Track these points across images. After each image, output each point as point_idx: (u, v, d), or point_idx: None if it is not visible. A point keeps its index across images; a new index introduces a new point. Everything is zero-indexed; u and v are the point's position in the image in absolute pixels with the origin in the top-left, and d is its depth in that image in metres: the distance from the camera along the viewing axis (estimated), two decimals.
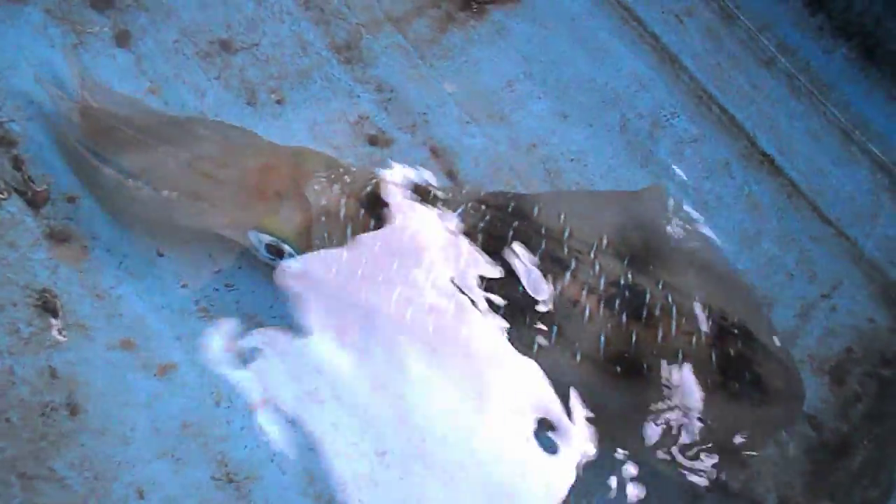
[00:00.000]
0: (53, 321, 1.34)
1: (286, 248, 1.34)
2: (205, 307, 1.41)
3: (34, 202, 1.42)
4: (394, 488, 1.35)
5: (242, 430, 1.34)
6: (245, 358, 1.39)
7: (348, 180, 1.38)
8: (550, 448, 1.37)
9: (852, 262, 1.80)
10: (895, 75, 1.90)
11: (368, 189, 1.38)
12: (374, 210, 1.37)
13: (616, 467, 1.39)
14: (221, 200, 1.36)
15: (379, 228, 1.36)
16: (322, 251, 1.34)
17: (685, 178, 1.78)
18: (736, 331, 1.42)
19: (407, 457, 1.36)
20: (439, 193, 1.43)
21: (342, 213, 1.35)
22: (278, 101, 1.63)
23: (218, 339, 1.39)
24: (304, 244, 1.34)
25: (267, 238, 1.33)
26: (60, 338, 1.34)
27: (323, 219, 1.34)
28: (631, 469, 1.39)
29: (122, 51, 1.59)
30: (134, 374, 1.35)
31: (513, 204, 1.45)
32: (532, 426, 1.37)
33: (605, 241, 1.45)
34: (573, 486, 1.37)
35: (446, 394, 1.37)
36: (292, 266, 1.36)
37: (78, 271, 1.39)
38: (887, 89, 1.92)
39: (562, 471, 1.36)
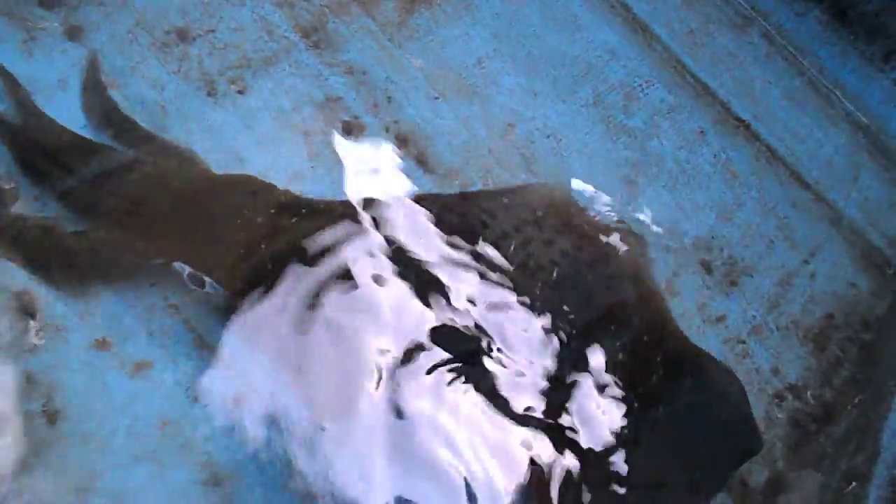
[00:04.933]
0: (32, 323, 1.32)
1: (206, 279, 1.35)
2: (175, 303, 1.39)
3: (2, 200, 1.39)
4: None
5: (220, 428, 1.33)
6: (217, 353, 1.37)
7: (273, 211, 1.39)
8: None
9: (832, 225, 1.79)
10: (868, 37, 1.89)
11: (293, 221, 1.39)
12: (297, 244, 1.37)
13: None
14: (146, 232, 1.36)
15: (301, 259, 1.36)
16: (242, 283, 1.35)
17: (662, 149, 1.76)
18: None
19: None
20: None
21: (262, 248, 1.36)
22: (240, 91, 1.59)
23: (189, 335, 1.37)
24: (227, 277, 1.35)
25: (188, 269, 1.35)
26: (37, 341, 1.31)
27: (242, 252, 1.35)
28: None
29: (73, 45, 1.54)
30: (111, 375, 1.32)
31: None
32: None
33: None
34: None
35: None
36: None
37: None
38: (861, 51, 1.90)
39: None
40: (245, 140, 1.53)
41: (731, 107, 1.86)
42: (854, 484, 1.40)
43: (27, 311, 1.32)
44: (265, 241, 1.37)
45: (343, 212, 1.42)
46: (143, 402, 1.32)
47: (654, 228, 1.65)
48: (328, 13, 1.71)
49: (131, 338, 1.35)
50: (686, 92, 1.84)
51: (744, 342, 1.59)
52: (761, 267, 1.68)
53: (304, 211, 1.42)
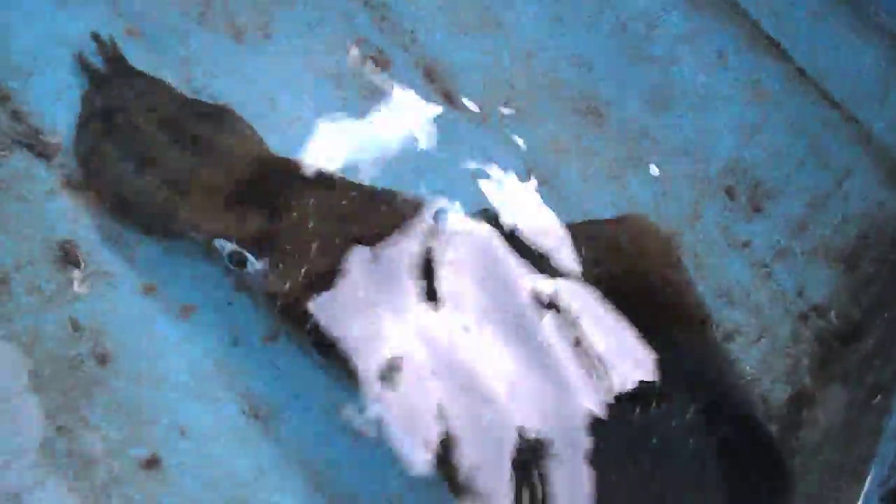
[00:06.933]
0: (76, 272, 1.36)
1: (249, 257, 1.31)
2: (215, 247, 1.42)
3: (46, 153, 1.42)
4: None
5: (264, 365, 1.37)
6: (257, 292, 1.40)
7: (328, 198, 1.36)
8: None
9: (862, 145, 1.78)
10: None
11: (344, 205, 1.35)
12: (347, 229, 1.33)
13: None
14: (196, 203, 1.34)
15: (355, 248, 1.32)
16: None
17: (684, 74, 1.75)
18: None
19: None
20: None
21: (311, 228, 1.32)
22: (266, 36, 1.61)
23: (230, 278, 1.41)
24: (270, 257, 1.32)
25: (230, 246, 1.31)
26: (82, 289, 1.36)
27: (291, 235, 1.31)
28: None
29: None
30: (159, 318, 1.36)
31: None
32: None
33: None
34: None
35: None
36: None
37: (98, 218, 1.39)
38: None
39: None
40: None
41: (759, 25, 1.83)
42: (879, 396, 1.43)
43: (70, 260, 1.36)
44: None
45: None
46: (193, 343, 1.37)
47: (677, 155, 1.66)
48: None
49: (176, 283, 1.39)
50: (710, 14, 1.82)
51: (767, 266, 1.61)
52: (789, 189, 1.68)
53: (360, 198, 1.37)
